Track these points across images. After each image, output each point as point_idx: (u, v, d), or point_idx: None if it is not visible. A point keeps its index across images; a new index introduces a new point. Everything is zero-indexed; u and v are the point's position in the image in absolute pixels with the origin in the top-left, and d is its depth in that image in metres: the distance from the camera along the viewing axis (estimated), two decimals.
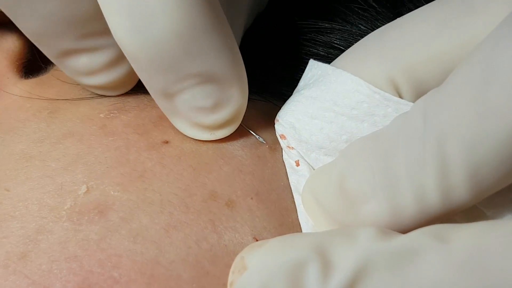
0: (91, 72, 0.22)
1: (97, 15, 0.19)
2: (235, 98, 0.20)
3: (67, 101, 0.23)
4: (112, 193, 0.19)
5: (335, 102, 0.21)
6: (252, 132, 0.23)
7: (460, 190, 0.16)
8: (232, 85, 0.20)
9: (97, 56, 0.21)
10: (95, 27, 0.20)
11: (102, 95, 0.23)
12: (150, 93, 0.20)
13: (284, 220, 0.21)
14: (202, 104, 0.20)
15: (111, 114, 0.22)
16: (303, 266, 0.15)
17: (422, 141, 0.16)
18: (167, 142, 0.22)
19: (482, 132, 0.14)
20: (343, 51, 0.23)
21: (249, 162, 0.22)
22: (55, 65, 0.25)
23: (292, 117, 0.22)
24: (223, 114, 0.21)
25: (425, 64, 0.19)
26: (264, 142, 0.23)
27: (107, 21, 0.18)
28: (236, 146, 0.22)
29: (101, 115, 0.22)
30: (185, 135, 0.22)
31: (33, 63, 0.25)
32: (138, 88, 0.23)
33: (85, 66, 0.22)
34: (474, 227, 0.15)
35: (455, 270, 0.14)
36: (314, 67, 0.23)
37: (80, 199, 0.19)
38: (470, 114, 0.15)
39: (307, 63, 0.24)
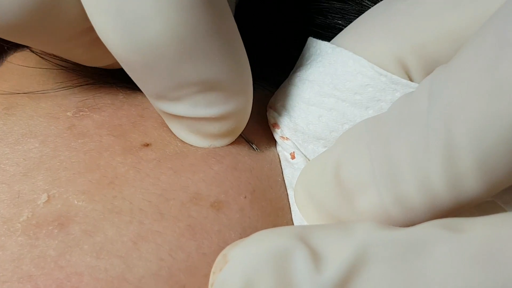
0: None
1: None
2: (242, 107, 0.18)
3: (25, 95, 0.21)
4: (76, 202, 0.17)
5: (336, 86, 0.19)
6: (246, 138, 0.21)
7: (469, 179, 0.14)
8: (239, 93, 0.18)
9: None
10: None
11: (66, 88, 0.21)
12: (144, 93, 0.18)
13: (279, 221, 0.19)
14: (205, 113, 0.18)
15: (81, 113, 0.20)
16: (289, 255, 0.13)
17: (426, 123, 0.14)
18: (147, 145, 0.19)
19: (493, 112, 0.13)
20: None
21: (246, 158, 0.20)
22: (9, 56, 0.23)
23: (287, 103, 0.20)
24: (228, 124, 0.19)
25: (438, 42, 0.17)
26: (258, 150, 0.21)
27: (91, 21, 0.16)
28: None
29: (68, 113, 0.20)
30: (171, 137, 0.20)
31: None
32: (112, 81, 0.21)
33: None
34: (491, 217, 0.13)
35: (468, 262, 0.12)
36: (312, 46, 0.21)
37: (39, 210, 0.17)
38: (479, 92, 0.13)
39: (304, 45, 0.21)
